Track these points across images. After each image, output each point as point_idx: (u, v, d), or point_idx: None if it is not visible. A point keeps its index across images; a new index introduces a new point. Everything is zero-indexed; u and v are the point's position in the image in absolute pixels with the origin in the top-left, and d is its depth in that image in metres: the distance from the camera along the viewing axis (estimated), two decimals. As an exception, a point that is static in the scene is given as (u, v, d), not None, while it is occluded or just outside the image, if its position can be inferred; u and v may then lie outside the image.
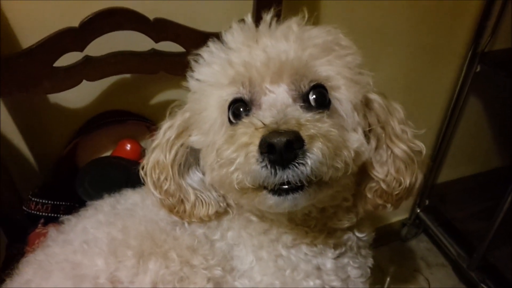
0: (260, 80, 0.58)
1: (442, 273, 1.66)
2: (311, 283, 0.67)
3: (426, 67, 1.32)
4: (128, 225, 0.64)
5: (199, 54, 0.64)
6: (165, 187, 0.66)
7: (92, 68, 0.85)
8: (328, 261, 0.69)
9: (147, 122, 1.05)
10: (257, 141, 0.50)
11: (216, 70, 0.61)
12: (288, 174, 0.50)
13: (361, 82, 0.61)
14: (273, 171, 0.50)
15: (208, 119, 0.61)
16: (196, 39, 0.88)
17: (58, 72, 0.83)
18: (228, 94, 0.59)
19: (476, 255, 1.41)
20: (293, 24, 0.61)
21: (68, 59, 0.84)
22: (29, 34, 0.85)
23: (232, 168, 0.53)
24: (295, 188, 0.52)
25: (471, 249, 1.47)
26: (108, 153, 1.07)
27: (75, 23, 0.81)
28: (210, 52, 0.63)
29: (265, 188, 0.53)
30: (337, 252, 0.70)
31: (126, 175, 0.93)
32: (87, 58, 0.84)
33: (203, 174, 0.67)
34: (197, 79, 0.63)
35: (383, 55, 1.24)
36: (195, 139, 0.64)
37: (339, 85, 0.59)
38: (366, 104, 0.63)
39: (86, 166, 0.97)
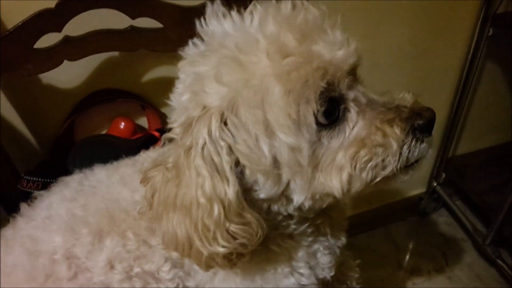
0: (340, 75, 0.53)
1: (461, 248, 1.60)
2: (279, 270, 0.67)
3: (433, 32, 1.24)
4: (90, 202, 0.65)
5: None
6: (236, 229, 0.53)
7: (72, 48, 0.87)
8: (300, 250, 0.68)
9: (139, 100, 1.07)
10: (420, 121, 0.54)
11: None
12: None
13: None
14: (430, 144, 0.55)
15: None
16: (174, 14, 0.87)
17: (39, 53, 0.85)
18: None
19: (491, 229, 1.34)
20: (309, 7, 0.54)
21: (49, 40, 0.86)
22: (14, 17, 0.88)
23: (392, 160, 0.54)
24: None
25: (488, 223, 1.41)
26: (104, 131, 1.10)
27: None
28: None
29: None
30: (310, 239, 0.69)
31: (115, 153, 0.95)
32: (66, 38, 0.86)
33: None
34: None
35: (384, 20, 1.17)
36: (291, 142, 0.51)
37: None
38: None
39: (78, 144, 1.00)
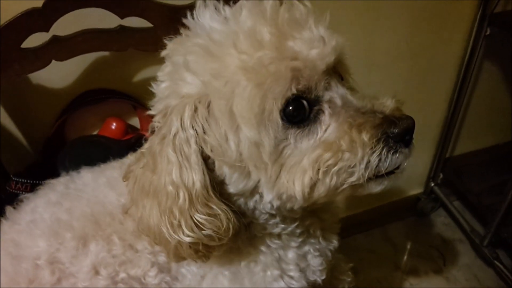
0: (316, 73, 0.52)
1: (459, 249, 1.59)
2: (268, 273, 0.66)
3: (430, 32, 1.23)
4: (75, 206, 0.64)
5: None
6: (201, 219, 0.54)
7: (60, 48, 0.85)
8: (290, 251, 0.68)
9: (131, 100, 1.05)
10: (396, 130, 0.51)
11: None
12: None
13: None
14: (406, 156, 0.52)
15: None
16: (163, 13, 0.86)
17: (27, 53, 0.84)
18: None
19: (488, 230, 1.33)
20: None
21: (37, 40, 0.85)
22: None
23: (359, 167, 0.51)
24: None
25: (486, 224, 1.39)
26: (95, 132, 1.09)
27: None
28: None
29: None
30: (300, 240, 0.68)
31: (105, 153, 0.94)
32: (54, 38, 0.85)
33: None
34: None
35: (381, 18, 1.16)
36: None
37: None
38: None
39: (68, 145, 0.99)
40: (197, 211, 0.52)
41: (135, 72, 1.05)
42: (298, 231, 0.66)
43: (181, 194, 0.51)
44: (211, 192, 0.53)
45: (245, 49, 0.48)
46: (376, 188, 0.54)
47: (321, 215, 0.70)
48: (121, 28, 0.87)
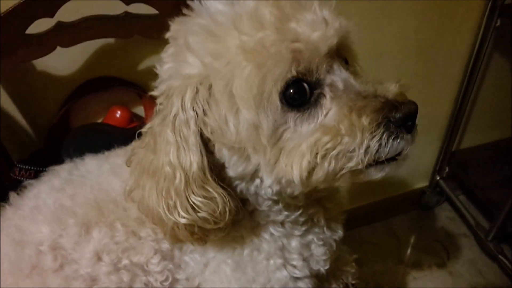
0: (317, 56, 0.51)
1: (463, 243, 1.59)
2: (272, 262, 0.66)
3: (439, 22, 1.21)
4: (78, 192, 0.64)
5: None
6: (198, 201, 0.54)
7: (64, 34, 0.85)
8: (293, 240, 0.67)
9: (136, 88, 1.05)
10: (397, 114, 0.49)
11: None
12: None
13: None
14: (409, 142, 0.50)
15: None
16: (168, 0, 0.85)
17: (31, 39, 0.83)
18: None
19: (494, 225, 1.32)
20: None
21: (41, 26, 0.84)
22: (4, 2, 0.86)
23: (358, 152, 0.50)
24: None
25: (491, 219, 1.38)
26: (100, 120, 1.08)
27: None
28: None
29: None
30: (304, 228, 0.67)
31: (110, 142, 0.94)
32: (59, 24, 0.84)
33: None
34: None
35: (388, 9, 1.14)
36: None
37: None
38: None
39: (72, 132, 0.99)
40: (193, 193, 0.52)
41: (140, 59, 1.05)
42: (302, 219, 0.65)
43: (178, 175, 0.52)
44: (208, 175, 0.53)
45: (247, 30, 0.48)
46: (376, 174, 0.53)
47: (326, 204, 0.69)
48: (126, 14, 0.86)
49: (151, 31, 0.88)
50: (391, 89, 0.52)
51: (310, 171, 0.51)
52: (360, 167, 0.50)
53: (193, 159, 0.52)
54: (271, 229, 0.65)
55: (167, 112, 0.52)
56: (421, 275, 1.51)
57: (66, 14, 0.84)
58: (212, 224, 0.55)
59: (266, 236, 0.65)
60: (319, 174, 0.51)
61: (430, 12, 1.18)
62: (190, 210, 0.53)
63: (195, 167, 0.52)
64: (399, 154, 0.51)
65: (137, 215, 0.64)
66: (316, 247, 0.69)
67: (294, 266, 0.68)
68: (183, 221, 0.53)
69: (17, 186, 0.91)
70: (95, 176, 0.69)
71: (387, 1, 1.12)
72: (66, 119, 1.06)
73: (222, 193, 0.54)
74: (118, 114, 1.06)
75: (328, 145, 0.49)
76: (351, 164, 0.50)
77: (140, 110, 1.12)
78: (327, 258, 0.71)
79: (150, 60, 1.05)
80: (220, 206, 0.53)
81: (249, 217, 0.64)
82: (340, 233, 0.73)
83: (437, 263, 1.53)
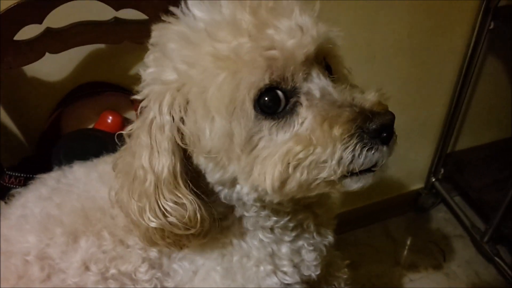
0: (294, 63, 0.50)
1: (459, 244, 1.58)
2: (262, 269, 0.65)
3: (432, 25, 1.20)
4: (65, 201, 0.64)
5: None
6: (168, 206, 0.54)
7: (53, 40, 0.84)
8: (283, 246, 0.66)
9: (126, 93, 1.04)
10: (371, 125, 0.48)
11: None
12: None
13: None
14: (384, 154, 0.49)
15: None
16: (158, 5, 0.84)
17: (20, 45, 0.83)
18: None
19: (489, 226, 1.32)
20: None
21: (30, 32, 0.84)
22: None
23: (330, 163, 0.49)
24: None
25: (487, 220, 1.38)
26: (91, 125, 1.08)
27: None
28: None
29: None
30: (293, 234, 0.67)
31: (101, 147, 0.93)
32: (48, 30, 0.83)
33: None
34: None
35: (381, 11, 1.14)
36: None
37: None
38: None
39: (63, 138, 0.98)
40: (163, 197, 0.52)
41: (130, 65, 1.04)
42: (291, 225, 0.65)
43: (149, 179, 0.52)
44: (179, 180, 0.53)
45: (222, 38, 0.47)
46: (352, 186, 0.52)
47: (315, 210, 0.68)
48: (116, 20, 0.86)
49: (140, 37, 0.85)
50: (368, 98, 0.51)
51: (283, 181, 0.50)
52: (333, 178, 0.50)
53: (164, 163, 0.52)
54: (260, 235, 0.65)
55: (147, 116, 0.53)
56: (417, 276, 1.50)
57: (55, 20, 0.83)
58: (182, 230, 0.55)
59: (256, 242, 0.65)
60: (292, 184, 0.50)
61: (424, 15, 1.18)
62: (160, 214, 0.53)
63: (166, 172, 0.52)
64: (375, 165, 0.50)
65: (125, 223, 0.63)
66: (307, 253, 0.69)
67: (285, 273, 0.67)
68: (152, 224, 0.53)
69: (6, 193, 0.91)
70: (83, 184, 0.68)
71: (380, 4, 1.12)
72: (57, 124, 1.05)
73: (192, 200, 0.54)
74: (110, 119, 1.05)
75: (300, 155, 0.48)
76: (324, 174, 0.49)
77: (132, 115, 1.11)
78: (318, 264, 0.71)
79: (141, 65, 1.04)
80: (189, 212, 0.53)
81: (238, 223, 0.64)
82: (330, 238, 0.72)
83: (433, 265, 1.53)
